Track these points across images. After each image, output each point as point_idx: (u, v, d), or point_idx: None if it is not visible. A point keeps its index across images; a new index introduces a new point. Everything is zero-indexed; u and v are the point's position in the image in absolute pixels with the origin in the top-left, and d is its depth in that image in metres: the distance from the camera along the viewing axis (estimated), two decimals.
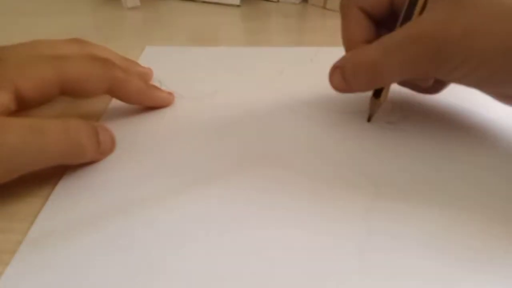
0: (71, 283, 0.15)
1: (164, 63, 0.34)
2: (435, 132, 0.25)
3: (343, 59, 0.24)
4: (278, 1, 0.55)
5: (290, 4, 0.55)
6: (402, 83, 0.29)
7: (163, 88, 0.28)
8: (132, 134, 0.25)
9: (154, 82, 0.31)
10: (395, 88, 0.30)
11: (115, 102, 0.28)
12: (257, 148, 0.23)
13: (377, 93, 0.25)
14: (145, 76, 0.29)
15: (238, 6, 0.52)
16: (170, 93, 0.28)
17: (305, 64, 0.35)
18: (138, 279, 0.16)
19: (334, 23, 0.48)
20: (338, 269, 0.16)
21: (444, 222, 0.18)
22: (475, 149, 0.23)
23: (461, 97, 0.29)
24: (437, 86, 0.27)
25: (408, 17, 0.22)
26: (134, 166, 0.22)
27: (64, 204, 0.19)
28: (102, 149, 0.22)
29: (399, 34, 0.21)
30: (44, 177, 0.21)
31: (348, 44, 0.26)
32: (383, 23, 0.25)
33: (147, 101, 0.27)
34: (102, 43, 0.28)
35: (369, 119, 0.26)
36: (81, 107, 0.28)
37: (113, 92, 0.24)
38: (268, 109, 0.27)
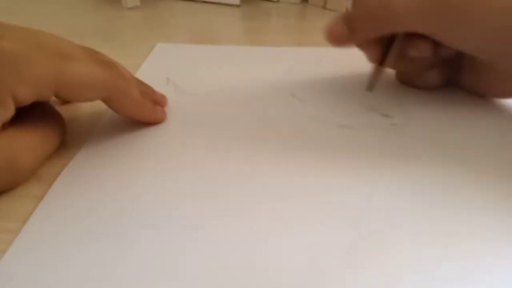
0: (62, 284, 0.15)
1: (174, 60, 0.34)
2: (435, 135, 0.25)
3: (346, 13, 0.25)
4: (278, 1, 0.55)
5: (290, 4, 0.55)
6: (403, 78, 0.29)
7: (170, 84, 0.27)
8: (136, 129, 0.25)
9: (162, 79, 0.31)
10: (397, 90, 0.30)
11: None
12: (260, 146, 0.23)
13: (383, 60, 0.25)
14: (159, 103, 0.27)
15: (238, 6, 0.52)
16: (163, 111, 0.26)
17: (312, 64, 0.35)
18: (133, 278, 0.15)
19: None
20: (328, 266, 0.16)
21: (442, 223, 0.18)
22: (475, 150, 0.23)
23: (461, 99, 0.29)
24: (433, 77, 0.28)
25: None
26: (134, 163, 0.22)
27: (58, 205, 0.19)
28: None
29: None
30: (39, 177, 0.21)
31: None
32: None
33: (138, 118, 0.25)
34: (102, 43, 0.28)
35: (371, 88, 0.26)
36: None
37: (108, 102, 0.22)
38: (274, 108, 0.28)
